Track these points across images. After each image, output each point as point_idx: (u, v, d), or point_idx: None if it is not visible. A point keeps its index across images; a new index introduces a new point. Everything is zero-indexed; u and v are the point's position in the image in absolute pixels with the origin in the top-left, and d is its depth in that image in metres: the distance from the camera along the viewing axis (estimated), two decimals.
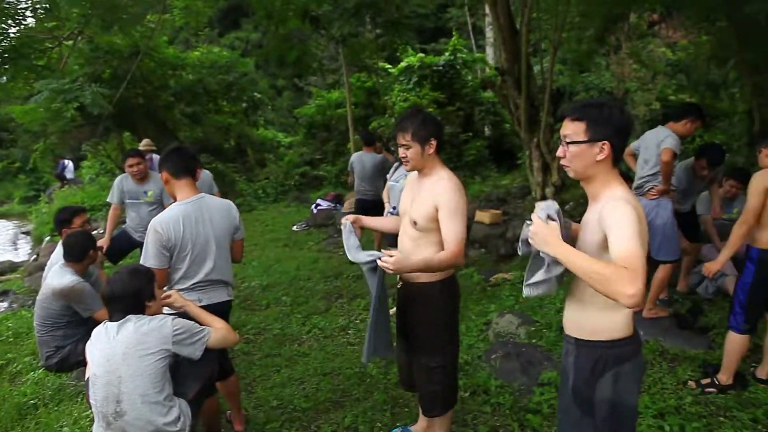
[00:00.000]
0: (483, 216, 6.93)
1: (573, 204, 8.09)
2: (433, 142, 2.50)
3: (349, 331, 4.77)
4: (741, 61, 5.98)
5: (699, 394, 3.52)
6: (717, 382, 3.55)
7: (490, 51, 15.15)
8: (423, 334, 2.63)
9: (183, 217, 2.80)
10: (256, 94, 13.66)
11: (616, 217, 1.69)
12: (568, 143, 1.83)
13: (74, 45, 8.82)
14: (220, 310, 2.91)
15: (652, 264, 4.42)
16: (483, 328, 4.58)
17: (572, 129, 1.82)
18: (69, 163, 15.67)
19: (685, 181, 4.74)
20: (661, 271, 4.42)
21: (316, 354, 4.34)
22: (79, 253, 3.83)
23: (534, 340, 4.26)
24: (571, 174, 1.87)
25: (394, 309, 2.93)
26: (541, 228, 1.75)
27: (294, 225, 9.49)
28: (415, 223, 2.52)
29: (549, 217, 1.79)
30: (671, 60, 13.39)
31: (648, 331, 4.36)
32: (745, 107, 5.90)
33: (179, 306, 2.70)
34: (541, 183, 6.64)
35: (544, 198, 6.65)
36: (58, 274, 3.80)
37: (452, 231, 2.42)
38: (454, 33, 12.76)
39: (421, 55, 12.39)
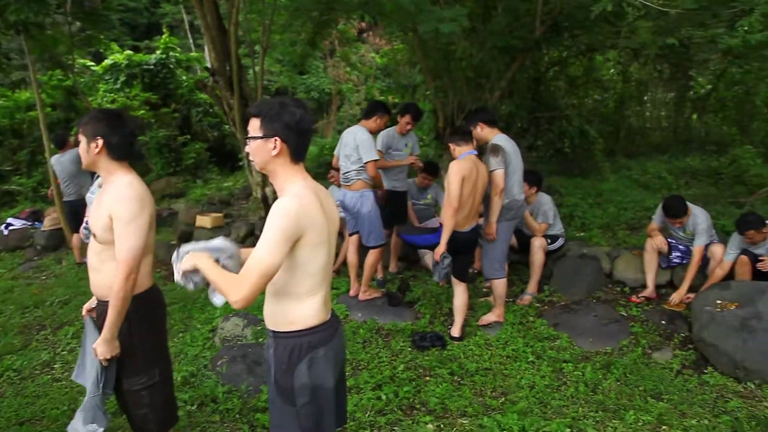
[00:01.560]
0: (203, 221, 6.76)
1: None
2: (99, 141, 2.27)
3: (55, 366, 4.16)
4: (425, 67, 6.90)
5: (409, 361, 3.99)
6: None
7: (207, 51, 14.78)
8: (121, 357, 2.36)
9: None
10: None
11: (270, 215, 1.77)
12: (248, 138, 1.91)
13: None
14: None
15: (364, 250, 4.86)
16: (209, 336, 4.45)
17: (251, 125, 1.90)
18: None
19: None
20: (371, 256, 4.85)
21: (11, 401, 3.67)
22: None
23: (261, 339, 4.29)
24: (257, 168, 1.94)
25: None
26: (192, 261, 1.88)
27: None
28: (95, 234, 2.31)
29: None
30: (380, 64, 14.74)
31: (365, 312, 4.76)
32: (430, 107, 6.84)
33: None
34: (261, 183, 6.73)
35: (264, 197, 6.74)
36: None
37: (123, 246, 2.20)
38: (165, 30, 12.09)
39: (129, 52, 11.44)
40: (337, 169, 5.07)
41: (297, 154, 1.89)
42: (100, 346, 2.26)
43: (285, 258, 1.76)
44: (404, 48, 10.62)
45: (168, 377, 2.60)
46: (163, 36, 11.69)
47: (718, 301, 3.96)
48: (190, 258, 1.89)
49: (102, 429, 2.30)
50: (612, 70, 11.36)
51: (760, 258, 4.42)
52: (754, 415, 3.22)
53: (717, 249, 4.64)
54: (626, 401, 3.40)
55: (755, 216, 4.52)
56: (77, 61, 10.22)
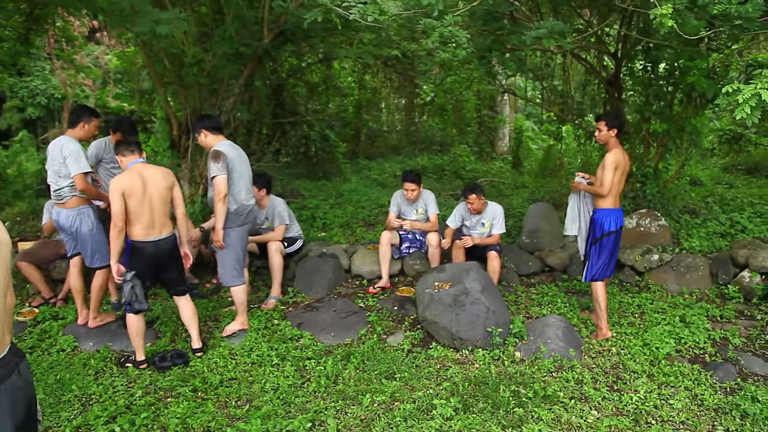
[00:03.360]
0: None
1: (10, 223, 7.24)
2: None
3: None
4: (153, 72, 6.49)
5: (148, 385, 3.73)
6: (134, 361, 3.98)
7: None
8: None
9: None
10: None
11: None
12: None
13: None
14: None
15: (91, 273, 4.40)
16: None
17: None
18: None
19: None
20: (99, 278, 4.43)
21: None
22: None
23: None
24: None
25: None
26: None
27: None
28: None
29: None
30: (118, 68, 13.54)
31: (97, 339, 4.35)
32: (163, 113, 6.48)
33: None
34: None
35: None
36: None
37: None
38: None
39: None
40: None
41: None
42: None
43: None
44: (137, 51, 9.89)
45: None
46: None
47: (436, 283, 4.49)
48: None
49: None
50: (349, 78, 12.18)
51: (461, 237, 5.17)
52: (467, 377, 3.72)
53: (433, 237, 5.30)
54: (364, 386, 3.64)
55: (477, 185, 5.32)
56: None
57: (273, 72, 8.89)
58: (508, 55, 5.79)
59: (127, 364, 3.97)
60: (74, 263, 4.46)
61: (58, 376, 3.82)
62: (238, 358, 4.06)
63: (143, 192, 3.79)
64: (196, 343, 4.14)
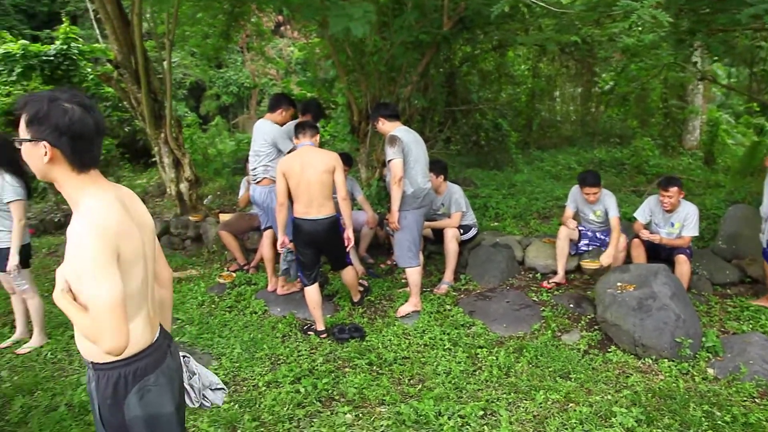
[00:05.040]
0: None
1: (212, 197, 8.17)
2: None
3: None
4: (337, 62, 6.85)
5: (329, 353, 3.98)
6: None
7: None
8: None
9: None
10: None
11: (72, 246, 1.48)
12: (15, 141, 1.58)
13: None
14: None
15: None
16: None
17: (21, 125, 1.55)
18: None
19: None
20: None
21: None
22: None
23: (177, 338, 4.15)
24: (37, 177, 1.62)
25: None
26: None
27: None
28: None
29: None
30: (299, 58, 14.54)
31: (284, 306, 4.73)
32: (344, 100, 6.83)
33: None
34: (175, 179, 6.48)
35: (179, 194, 6.50)
36: None
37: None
38: (64, 19, 11.34)
39: (25, 42, 10.64)
40: None
41: (78, 162, 1.56)
42: None
43: (118, 278, 1.49)
44: (321, 42, 10.54)
45: None
46: (63, 25, 10.96)
47: (619, 284, 4.20)
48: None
49: None
50: (523, 66, 11.82)
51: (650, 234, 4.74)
52: (650, 388, 3.44)
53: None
54: (537, 382, 3.53)
55: (677, 177, 4.91)
56: None
57: (446, 60, 8.92)
58: (712, 37, 5.18)
59: (309, 332, 4.28)
60: (267, 235, 4.90)
61: (252, 335, 4.24)
62: (411, 338, 4.17)
63: (300, 173, 4.01)
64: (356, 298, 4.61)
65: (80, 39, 11.44)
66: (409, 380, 3.62)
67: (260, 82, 15.45)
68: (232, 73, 16.29)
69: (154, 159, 9.12)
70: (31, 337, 4.30)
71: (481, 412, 3.20)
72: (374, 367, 3.80)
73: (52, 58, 10.44)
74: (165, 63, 6.51)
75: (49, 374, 3.81)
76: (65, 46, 10.64)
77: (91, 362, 1.67)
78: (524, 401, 3.34)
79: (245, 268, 5.57)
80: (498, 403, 3.31)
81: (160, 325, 1.83)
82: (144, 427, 1.67)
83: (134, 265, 1.60)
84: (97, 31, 15.86)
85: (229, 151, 10.32)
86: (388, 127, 4.44)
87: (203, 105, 16.45)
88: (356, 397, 3.39)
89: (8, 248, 3.91)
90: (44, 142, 1.51)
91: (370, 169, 6.67)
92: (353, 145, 6.66)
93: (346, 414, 3.23)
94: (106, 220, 1.51)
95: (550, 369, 3.70)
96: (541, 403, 3.29)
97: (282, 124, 4.81)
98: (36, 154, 1.53)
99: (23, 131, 1.54)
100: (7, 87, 9.96)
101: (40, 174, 1.58)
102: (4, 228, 3.92)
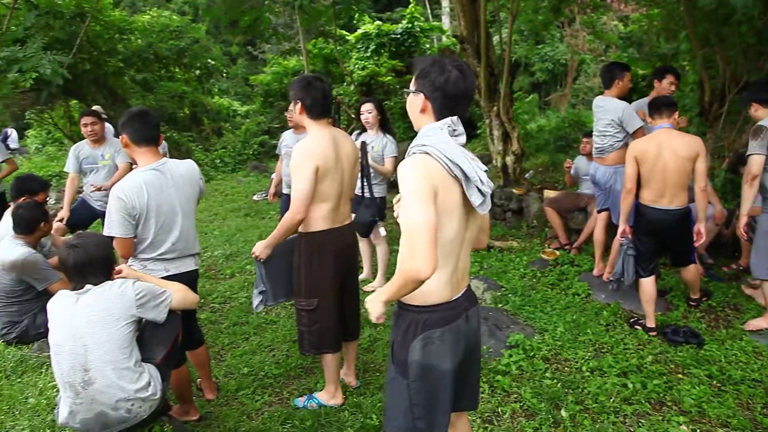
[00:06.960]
0: None
1: (533, 172, 8.26)
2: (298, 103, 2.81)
3: None
4: (691, 34, 6.12)
5: (659, 353, 3.70)
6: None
7: (446, 20, 15.09)
8: (294, 278, 2.98)
9: (146, 184, 2.67)
10: (210, 61, 13.22)
11: (401, 177, 1.71)
12: (403, 91, 1.95)
13: (14, 3, 8.21)
14: (187, 279, 2.85)
15: (613, 229, 4.57)
16: None
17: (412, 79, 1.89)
18: (12, 132, 14.89)
19: None
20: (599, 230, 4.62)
21: (285, 321, 4.31)
22: (29, 225, 3.71)
23: (500, 305, 4.35)
24: (414, 125, 1.92)
25: None
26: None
27: (254, 194, 9.32)
28: None
29: None
30: (623, 33, 13.62)
31: (610, 294, 4.49)
32: (695, 78, 6.08)
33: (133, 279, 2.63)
34: (502, 152, 6.71)
35: (504, 166, 6.73)
36: (7, 248, 3.66)
37: (293, 191, 2.75)
38: (411, 1, 12.65)
39: (379, 23, 12.23)
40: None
41: (442, 115, 1.82)
42: (257, 246, 2.93)
43: (432, 210, 1.65)
44: (659, 14, 9.54)
45: (328, 310, 2.94)
46: (409, 6, 12.23)
47: None
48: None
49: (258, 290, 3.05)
50: None
51: None
52: None
53: None
54: None
55: None
56: (337, 31, 11.26)
57: None
58: None
59: (637, 326, 4.02)
60: (601, 217, 4.73)
61: (574, 317, 4.17)
62: (764, 359, 3.59)
63: (656, 158, 3.68)
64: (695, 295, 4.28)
65: (422, 18, 12.63)
66: (761, 408, 3.13)
67: (581, 58, 14.87)
68: (548, 48, 16.08)
69: (479, 131, 9.66)
70: (374, 279, 4.99)
71: None
72: (715, 382, 3.37)
73: (398, 36, 11.79)
74: (506, 37, 6.69)
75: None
76: (410, 25, 11.89)
77: (398, 301, 1.88)
78: None
79: (566, 247, 5.49)
80: None
81: (468, 289, 1.98)
82: (418, 372, 1.84)
83: (451, 216, 1.76)
84: (428, 11, 17.33)
85: (552, 127, 10.25)
86: (761, 114, 3.76)
87: (516, 81, 16.67)
88: (693, 410, 3.07)
89: (384, 196, 4.71)
90: (422, 94, 1.82)
91: (716, 158, 5.87)
92: (700, 128, 5.93)
93: (681, 425, 2.96)
94: (426, 164, 1.71)
95: None
96: None
97: (621, 95, 4.51)
98: (414, 103, 1.85)
99: (412, 84, 1.86)
100: (362, 62, 11.62)
101: (414, 122, 1.89)
102: (376, 181, 4.55)
